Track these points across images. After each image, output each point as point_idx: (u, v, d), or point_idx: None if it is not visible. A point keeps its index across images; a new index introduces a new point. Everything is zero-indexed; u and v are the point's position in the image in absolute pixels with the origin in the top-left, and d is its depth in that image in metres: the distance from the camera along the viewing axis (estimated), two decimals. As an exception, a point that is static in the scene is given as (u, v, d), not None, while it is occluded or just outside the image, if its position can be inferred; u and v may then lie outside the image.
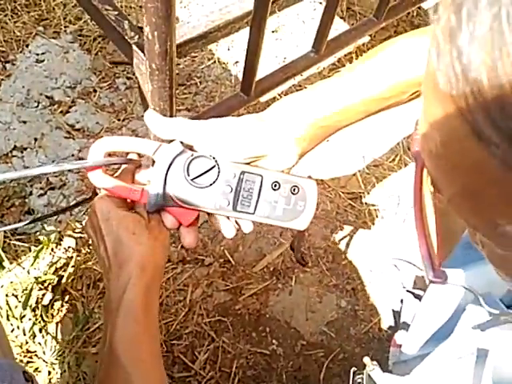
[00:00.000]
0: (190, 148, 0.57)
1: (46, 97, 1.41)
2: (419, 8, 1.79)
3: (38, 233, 1.20)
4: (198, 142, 0.56)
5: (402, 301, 1.17)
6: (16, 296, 1.10)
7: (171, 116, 0.85)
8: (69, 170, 1.27)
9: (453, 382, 0.62)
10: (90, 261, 1.18)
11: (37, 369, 1.06)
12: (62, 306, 1.13)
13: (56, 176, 1.29)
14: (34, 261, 1.15)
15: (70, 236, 1.20)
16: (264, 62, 1.16)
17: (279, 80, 1.09)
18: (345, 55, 1.64)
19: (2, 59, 1.46)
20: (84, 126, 1.38)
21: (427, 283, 0.90)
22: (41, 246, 1.16)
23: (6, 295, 1.10)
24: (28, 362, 1.06)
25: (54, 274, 1.14)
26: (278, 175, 0.57)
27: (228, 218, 0.59)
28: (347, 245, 1.31)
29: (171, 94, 0.81)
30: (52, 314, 1.11)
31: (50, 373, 1.06)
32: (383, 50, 0.58)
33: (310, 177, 0.59)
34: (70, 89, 1.44)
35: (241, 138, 0.55)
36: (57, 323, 1.10)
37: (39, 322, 1.09)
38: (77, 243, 1.20)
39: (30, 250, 1.17)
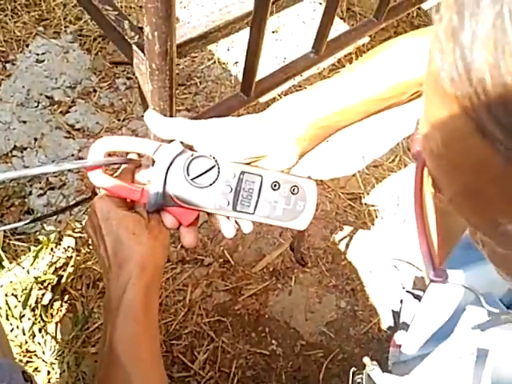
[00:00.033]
0: (190, 148, 0.57)
1: (46, 97, 1.41)
2: (419, 9, 1.79)
3: (37, 233, 1.20)
4: (197, 141, 0.56)
5: (401, 301, 1.17)
6: (15, 296, 1.10)
7: (171, 116, 0.85)
8: (69, 170, 1.27)
9: (453, 382, 0.62)
10: (90, 261, 1.18)
11: (36, 368, 1.06)
12: (62, 305, 1.13)
13: (56, 176, 1.29)
14: (34, 260, 1.15)
15: (69, 236, 1.20)
16: (264, 63, 1.16)
17: (279, 80, 1.10)
18: (345, 56, 1.64)
19: (2, 59, 1.46)
20: (84, 126, 1.38)
21: (428, 282, 0.90)
22: (40, 245, 1.16)
23: (6, 295, 1.10)
24: (27, 362, 1.06)
25: (53, 273, 1.14)
26: (277, 175, 0.57)
27: (228, 217, 0.59)
28: (347, 245, 1.31)
29: (171, 94, 0.81)
30: (51, 314, 1.11)
31: (49, 372, 1.06)
32: (383, 51, 0.58)
33: (309, 177, 0.59)
34: (70, 89, 1.44)
35: (241, 138, 0.55)
36: (56, 323, 1.10)
37: (39, 322, 1.09)
38: (76, 243, 1.20)
39: (30, 250, 1.17)
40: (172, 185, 0.56)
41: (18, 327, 1.08)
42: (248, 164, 0.57)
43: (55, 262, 1.16)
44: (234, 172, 0.56)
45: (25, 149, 1.32)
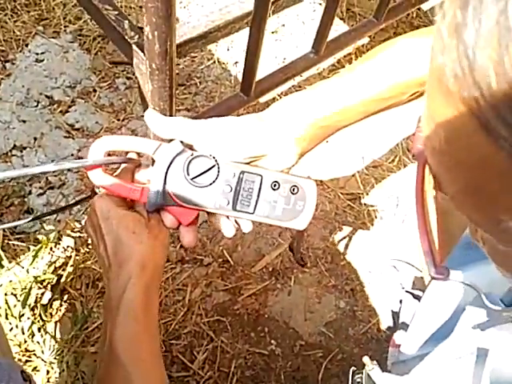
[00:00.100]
0: (190, 147, 0.57)
1: (46, 96, 1.41)
2: (419, 9, 1.79)
3: (37, 232, 1.20)
4: (197, 141, 0.56)
5: (400, 301, 1.17)
6: (15, 295, 1.10)
7: (171, 116, 0.85)
8: (68, 170, 1.27)
9: (452, 382, 0.62)
10: (89, 260, 1.18)
11: (35, 368, 1.06)
12: (61, 305, 1.13)
13: (55, 175, 1.29)
14: (33, 260, 1.15)
15: (69, 235, 1.20)
16: (264, 63, 1.16)
17: (279, 80, 1.10)
18: (344, 56, 1.64)
19: (2, 58, 1.46)
20: (83, 126, 1.38)
21: (427, 282, 0.90)
22: (40, 245, 1.16)
23: (5, 294, 1.10)
24: (27, 361, 1.06)
25: (52, 273, 1.14)
26: (277, 175, 0.57)
27: (227, 217, 0.59)
28: (346, 245, 1.31)
29: (171, 93, 0.81)
30: (51, 313, 1.11)
31: (48, 372, 1.06)
32: (383, 51, 0.58)
33: (309, 177, 0.59)
34: (70, 88, 1.44)
35: (241, 138, 0.55)
36: (55, 322, 1.10)
37: (38, 321, 1.09)
38: (76, 243, 1.20)
39: (29, 250, 1.17)
40: (172, 184, 0.56)
41: (17, 326, 1.08)
42: (248, 164, 0.57)
43: (54, 262, 1.16)
44: (233, 171, 0.56)
45: (24, 148, 1.32)
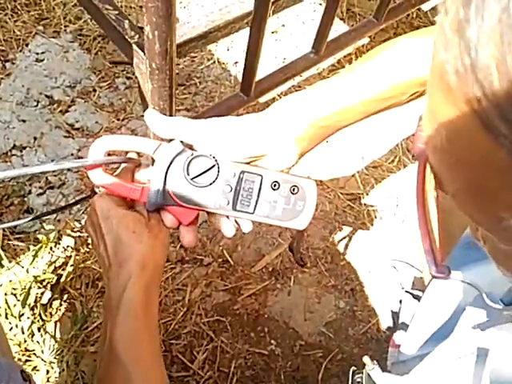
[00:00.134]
0: (190, 147, 0.57)
1: (46, 96, 1.41)
2: (419, 10, 1.79)
3: (36, 232, 1.20)
4: (197, 141, 0.56)
5: (400, 301, 1.17)
6: (15, 295, 1.10)
7: (171, 116, 0.85)
8: (68, 169, 1.27)
9: (453, 382, 0.62)
10: (89, 260, 1.18)
11: (35, 367, 1.06)
12: (61, 304, 1.13)
13: (55, 175, 1.29)
14: (33, 260, 1.15)
15: (68, 235, 1.20)
16: (264, 63, 1.16)
17: (279, 80, 1.10)
18: (344, 56, 1.64)
19: (2, 58, 1.47)
20: (83, 126, 1.38)
21: (428, 280, 0.90)
22: (40, 245, 1.16)
23: (5, 294, 1.10)
24: (26, 361, 1.06)
25: (52, 272, 1.14)
26: (277, 175, 0.57)
27: (227, 217, 0.59)
28: (346, 245, 1.31)
29: (171, 93, 0.81)
30: (51, 313, 1.11)
31: (48, 372, 1.06)
32: (383, 51, 0.58)
33: (309, 177, 0.59)
34: (70, 88, 1.44)
35: (241, 138, 0.55)
36: (55, 322, 1.10)
37: (38, 321, 1.09)
38: (76, 242, 1.20)
39: (29, 249, 1.17)
40: (172, 184, 0.56)
41: (17, 326, 1.08)
42: (248, 163, 0.57)
43: (54, 262, 1.16)
44: (233, 171, 0.56)
45: (24, 148, 1.32)
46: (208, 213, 0.58)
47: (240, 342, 1.15)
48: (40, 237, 1.17)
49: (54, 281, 1.13)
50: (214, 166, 0.55)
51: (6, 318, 1.08)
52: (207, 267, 1.22)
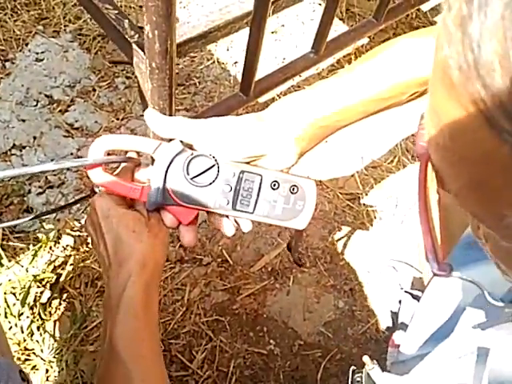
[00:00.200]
0: (190, 147, 0.57)
1: (46, 95, 1.41)
2: (418, 10, 1.80)
3: (36, 231, 1.20)
4: (197, 140, 0.56)
5: (400, 301, 1.17)
6: (14, 294, 1.10)
7: (170, 115, 0.85)
8: (68, 169, 1.27)
9: (453, 382, 0.62)
10: (89, 259, 1.18)
11: (34, 366, 1.06)
12: (60, 304, 1.13)
13: (55, 175, 1.29)
14: (33, 259, 1.15)
15: (68, 234, 1.20)
16: (263, 63, 1.16)
17: (278, 80, 1.10)
18: (344, 56, 1.64)
19: (2, 58, 1.47)
20: (83, 125, 1.38)
21: (428, 280, 0.90)
22: (39, 244, 1.16)
23: (5, 293, 1.10)
24: (26, 360, 1.06)
25: (52, 272, 1.14)
26: (277, 175, 0.57)
27: (227, 216, 0.59)
28: (345, 245, 1.31)
29: (171, 93, 0.81)
30: (50, 312, 1.11)
31: (47, 371, 1.06)
32: (382, 51, 0.58)
33: (308, 177, 0.59)
34: (70, 88, 1.44)
35: (240, 138, 0.55)
36: (55, 321, 1.10)
37: (37, 320, 1.09)
38: (75, 241, 1.20)
39: (29, 249, 1.17)
40: (172, 183, 0.56)
41: (16, 325, 1.08)
42: (247, 163, 0.57)
43: (54, 261, 1.16)
44: (233, 171, 0.56)
45: (24, 147, 1.32)
46: (208, 212, 0.58)
47: (239, 341, 1.15)
48: (39, 236, 1.18)
49: (54, 280, 1.13)
50: (213, 165, 0.55)
51: (6, 317, 1.08)
52: (206, 267, 1.22)
